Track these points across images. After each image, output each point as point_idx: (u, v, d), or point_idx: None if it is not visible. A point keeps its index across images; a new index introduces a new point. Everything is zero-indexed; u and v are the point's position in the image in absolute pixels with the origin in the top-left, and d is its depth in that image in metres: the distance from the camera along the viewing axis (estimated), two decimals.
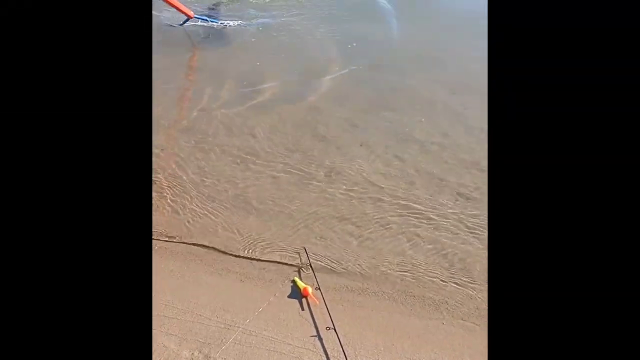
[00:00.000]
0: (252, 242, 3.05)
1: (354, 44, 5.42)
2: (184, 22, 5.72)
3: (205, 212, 3.26)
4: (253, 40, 5.57)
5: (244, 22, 5.85)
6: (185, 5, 5.59)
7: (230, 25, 5.79)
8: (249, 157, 3.74)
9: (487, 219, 3.24)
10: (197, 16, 5.68)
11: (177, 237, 3.07)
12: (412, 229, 3.18)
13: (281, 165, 3.67)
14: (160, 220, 3.17)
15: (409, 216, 3.27)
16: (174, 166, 3.62)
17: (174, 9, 5.53)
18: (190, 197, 3.38)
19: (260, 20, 5.89)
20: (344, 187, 3.49)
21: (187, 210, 3.27)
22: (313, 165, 3.68)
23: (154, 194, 3.33)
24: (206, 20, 5.74)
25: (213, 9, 6.19)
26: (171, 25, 5.74)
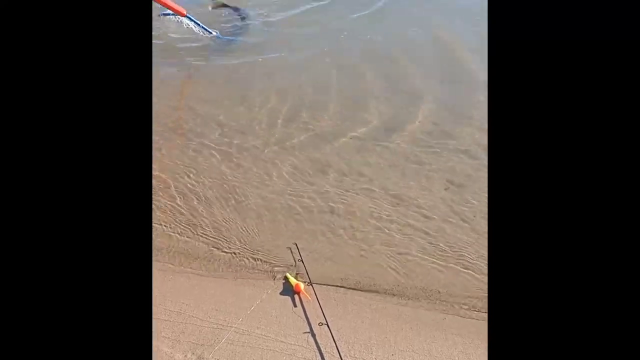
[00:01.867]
0: (242, 240, 3.05)
1: (345, 33, 5.38)
2: (173, 14, 5.36)
3: (194, 212, 3.25)
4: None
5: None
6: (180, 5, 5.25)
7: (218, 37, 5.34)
8: (239, 154, 3.74)
9: (477, 205, 3.25)
10: (189, 16, 5.28)
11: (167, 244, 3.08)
12: (403, 219, 3.18)
13: (269, 159, 3.67)
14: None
15: (399, 206, 3.27)
16: (155, 166, 3.61)
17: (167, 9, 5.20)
18: (179, 197, 3.37)
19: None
20: (334, 179, 3.49)
21: (175, 210, 3.26)
22: (302, 157, 3.67)
23: None
24: (198, 24, 5.33)
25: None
26: (165, 14, 5.40)
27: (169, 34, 5.34)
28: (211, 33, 5.30)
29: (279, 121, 4.04)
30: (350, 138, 3.85)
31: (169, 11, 5.23)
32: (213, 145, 3.79)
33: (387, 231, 3.09)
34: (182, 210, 3.24)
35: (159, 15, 5.45)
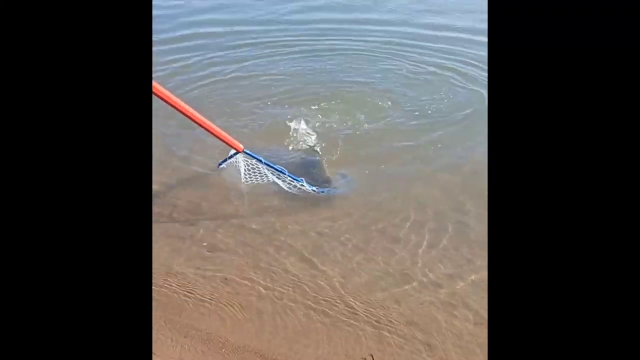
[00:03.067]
0: None
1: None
2: (230, 157, 3.89)
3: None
4: None
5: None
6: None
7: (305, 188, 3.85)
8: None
9: None
10: (247, 151, 3.71)
11: None
12: None
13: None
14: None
15: None
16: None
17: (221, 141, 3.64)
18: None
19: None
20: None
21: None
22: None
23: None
24: (260, 160, 3.74)
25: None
26: (221, 165, 4.09)
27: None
28: (281, 172, 3.79)
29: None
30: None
31: (225, 158, 3.98)
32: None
33: None
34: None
35: (217, 167, 4.16)
